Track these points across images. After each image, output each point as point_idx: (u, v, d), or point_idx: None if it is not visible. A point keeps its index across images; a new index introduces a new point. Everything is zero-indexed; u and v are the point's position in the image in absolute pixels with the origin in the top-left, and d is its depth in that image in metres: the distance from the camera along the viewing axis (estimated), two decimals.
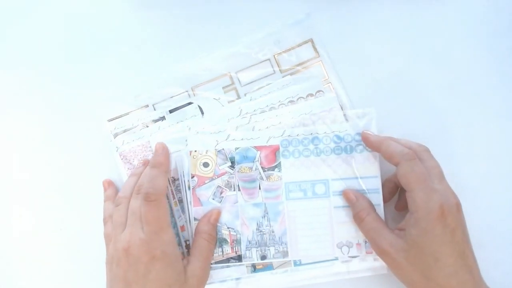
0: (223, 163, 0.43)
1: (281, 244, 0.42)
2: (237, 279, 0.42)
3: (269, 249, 0.42)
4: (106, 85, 0.46)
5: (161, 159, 0.41)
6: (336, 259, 0.42)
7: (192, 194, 0.42)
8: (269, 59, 0.45)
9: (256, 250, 0.42)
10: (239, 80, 0.45)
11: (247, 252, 0.41)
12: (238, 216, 0.42)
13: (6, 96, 0.47)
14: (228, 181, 0.42)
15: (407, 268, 0.36)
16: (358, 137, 0.42)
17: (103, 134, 0.45)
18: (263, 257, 0.41)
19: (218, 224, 0.42)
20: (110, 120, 0.45)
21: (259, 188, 0.42)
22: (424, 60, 0.46)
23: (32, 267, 0.44)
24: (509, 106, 0.45)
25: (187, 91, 0.45)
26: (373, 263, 0.42)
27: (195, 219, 0.41)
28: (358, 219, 0.40)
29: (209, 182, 0.42)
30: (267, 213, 0.42)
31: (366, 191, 0.41)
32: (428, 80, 0.45)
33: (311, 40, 0.45)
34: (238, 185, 0.42)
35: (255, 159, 0.43)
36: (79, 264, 0.44)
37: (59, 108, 0.46)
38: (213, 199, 0.42)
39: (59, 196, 0.45)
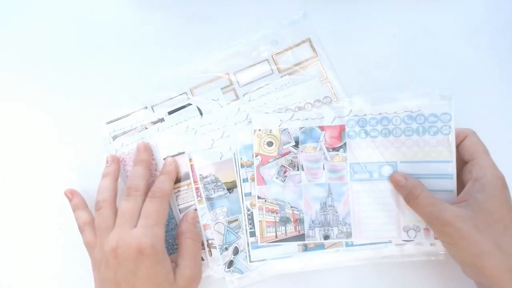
0: (287, 142, 0.42)
1: (344, 225, 0.42)
2: (289, 256, 0.42)
3: (332, 229, 0.42)
4: (105, 87, 0.45)
5: (143, 156, 0.42)
6: (390, 241, 0.41)
7: (256, 172, 0.42)
8: (267, 60, 0.44)
9: (319, 230, 0.42)
10: (237, 81, 0.44)
11: (310, 231, 0.42)
12: (302, 196, 0.42)
13: (3, 98, 0.47)
14: (291, 161, 0.42)
15: (475, 237, 0.34)
16: (432, 118, 0.39)
17: (102, 136, 0.44)
18: (326, 237, 0.42)
19: (282, 203, 0.42)
20: (108, 123, 0.44)
21: (323, 168, 0.42)
22: (423, 59, 0.44)
23: (32, 267, 0.44)
24: (509, 106, 0.44)
25: (185, 93, 0.44)
26: (429, 248, 0.41)
27: (259, 197, 0.42)
28: (411, 197, 0.38)
29: (272, 161, 0.42)
30: (331, 194, 0.42)
31: (437, 176, 0.39)
32: (427, 79, 0.44)
33: (309, 40, 0.44)
34: (301, 165, 0.42)
35: (319, 139, 0.42)
36: (79, 264, 0.43)
37: (58, 110, 0.46)
38: (276, 178, 0.42)
39: (58, 197, 0.44)
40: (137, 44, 0.46)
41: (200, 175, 0.43)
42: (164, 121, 0.44)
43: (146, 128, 0.44)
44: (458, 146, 0.39)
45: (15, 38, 0.47)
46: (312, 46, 0.44)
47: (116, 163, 0.43)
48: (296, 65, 0.44)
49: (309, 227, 0.42)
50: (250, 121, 0.43)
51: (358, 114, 0.41)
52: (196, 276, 0.39)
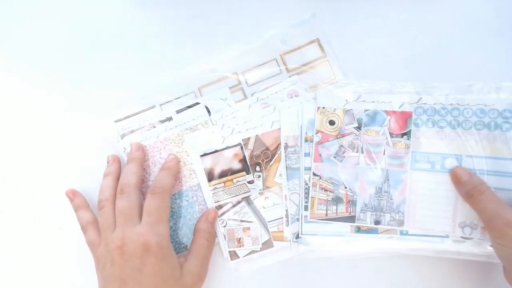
0: (350, 123, 0.42)
1: (397, 213, 0.41)
2: (341, 235, 0.42)
3: (384, 216, 0.41)
4: (113, 86, 0.45)
5: (135, 154, 0.42)
6: (447, 236, 0.40)
7: (314, 149, 0.42)
8: (275, 59, 0.44)
9: (371, 214, 0.41)
10: (245, 81, 0.44)
11: (361, 214, 0.42)
12: (358, 178, 0.42)
13: (12, 97, 0.46)
14: (352, 142, 0.42)
15: None
16: (506, 114, 0.38)
17: (110, 135, 0.44)
18: (377, 222, 0.41)
19: (336, 183, 0.42)
20: (117, 121, 0.44)
21: (383, 154, 0.41)
22: (429, 59, 0.43)
23: (32, 267, 0.44)
24: None
25: (194, 92, 0.44)
26: (487, 249, 0.39)
27: (314, 174, 0.42)
28: (476, 192, 0.37)
29: (333, 140, 0.42)
30: (388, 180, 0.41)
31: (505, 174, 0.38)
32: (432, 78, 0.42)
33: (318, 40, 0.44)
34: (362, 147, 0.42)
35: (383, 123, 0.41)
36: (79, 264, 0.44)
37: (66, 109, 0.46)
38: (334, 157, 0.42)
39: (58, 197, 0.44)
40: (146, 43, 0.46)
41: (286, 143, 0.43)
42: (172, 120, 0.44)
43: (154, 127, 0.44)
44: None
45: (18, 38, 0.47)
46: (320, 46, 0.44)
47: (117, 162, 0.43)
48: (304, 65, 0.44)
49: (361, 210, 0.42)
50: (271, 94, 0.43)
51: (428, 103, 0.40)
52: (203, 274, 0.40)
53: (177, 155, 0.43)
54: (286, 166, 0.43)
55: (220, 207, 0.43)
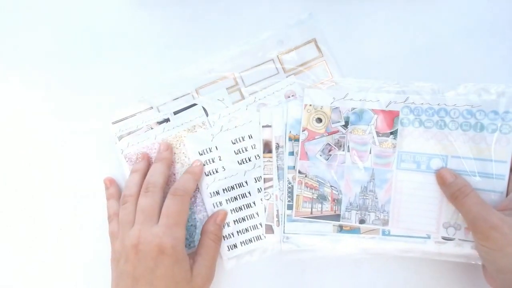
0: (337, 121, 0.42)
1: (382, 212, 0.41)
2: (323, 235, 0.42)
3: (369, 215, 0.41)
4: (110, 87, 0.45)
5: (164, 155, 0.42)
6: (429, 237, 0.40)
7: (301, 147, 0.42)
8: (272, 59, 0.44)
9: (356, 213, 0.41)
10: (243, 81, 0.44)
11: (346, 213, 0.41)
12: (343, 177, 0.41)
13: (11, 98, 0.46)
14: (338, 140, 0.42)
15: None
16: (492, 116, 0.38)
17: (107, 136, 0.44)
18: (362, 221, 0.41)
19: (322, 181, 0.42)
20: (114, 123, 0.44)
21: (370, 153, 0.41)
22: (428, 59, 0.43)
23: (32, 267, 0.44)
24: None
25: (191, 93, 0.44)
26: (469, 251, 0.40)
27: (300, 172, 0.42)
28: (461, 195, 0.37)
29: (319, 138, 0.42)
30: (374, 179, 0.41)
31: (489, 176, 0.38)
32: (431, 79, 0.42)
33: (314, 40, 0.44)
34: (348, 145, 0.41)
35: (370, 122, 0.41)
36: (79, 264, 0.44)
37: (63, 110, 0.46)
38: (320, 155, 0.42)
39: (61, 197, 0.45)
40: (143, 44, 0.46)
41: (277, 144, 0.43)
42: (169, 121, 0.44)
43: (151, 128, 0.44)
44: None
45: (17, 38, 0.47)
46: (317, 46, 0.44)
47: (146, 160, 0.43)
48: (301, 65, 0.44)
49: (346, 209, 0.41)
50: (269, 95, 0.43)
51: (416, 102, 0.40)
52: (211, 275, 0.40)
53: (201, 161, 0.43)
54: (277, 166, 0.42)
55: (268, 180, 0.43)
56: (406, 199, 0.40)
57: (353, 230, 0.41)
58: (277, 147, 0.43)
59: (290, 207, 0.42)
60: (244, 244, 0.43)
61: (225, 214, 0.43)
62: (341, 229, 0.41)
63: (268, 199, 0.43)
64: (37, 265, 0.44)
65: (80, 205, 0.45)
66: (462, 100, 0.39)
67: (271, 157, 0.43)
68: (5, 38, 0.47)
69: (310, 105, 0.42)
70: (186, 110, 0.44)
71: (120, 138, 0.44)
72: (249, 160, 0.43)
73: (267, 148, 0.43)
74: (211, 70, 0.44)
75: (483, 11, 0.44)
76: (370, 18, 0.45)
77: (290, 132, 0.42)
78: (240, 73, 0.44)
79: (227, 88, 0.44)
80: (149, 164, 0.43)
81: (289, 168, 0.42)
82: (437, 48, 0.44)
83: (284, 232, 0.42)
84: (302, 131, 0.42)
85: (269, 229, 0.43)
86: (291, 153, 0.42)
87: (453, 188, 0.38)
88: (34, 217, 0.45)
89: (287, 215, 0.42)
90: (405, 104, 0.40)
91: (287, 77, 0.44)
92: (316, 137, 0.42)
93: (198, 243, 0.41)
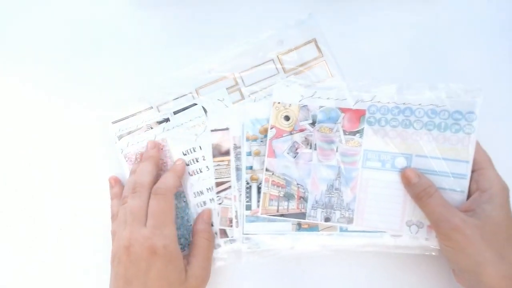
0: (305, 119, 0.41)
1: (347, 210, 0.41)
2: (281, 234, 0.42)
3: (335, 213, 0.41)
4: (110, 87, 0.45)
5: (151, 153, 0.42)
6: (385, 231, 0.41)
7: (268, 145, 0.42)
8: (272, 59, 0.44)
9: (321, 211, 0.41)
10: (243, 81, 0.43)
11: (312, 211, 0.42)
12: (310, 175, 0.41)
13: (11, 98, 0.46)
14: (306, 138, 0.42)
15: (481, 246, 0.35)
16: (456, 115, 0.38)
17: (107, 136, 0.44)
18: (327, 219, 0.41)
19: (289, 179, 0.42)
20: (114, 122, 0.44)
21: (336, 151, 0.41)
22: (428, 59, 0.44)
23: (32, 267, 0.44)
24: (509, 106, 0.43)
25: (191, 93, 0.44)
26: (423, 242, 0.40)
27: (267, 169, 0.42)
28: (425, 195, 0.38)
29: (287, 136, 0.42)
30: (340, 177, 0.41)
31: (451, 175, 0.39)
32: (431, 80, 0.41)
33: (315, 40, 0.44)
34: (315, 144, 0.41)
35: (337, 120, 0.41)
36: (79, 264, 0.44)
37: (64, 110, 0.46)
38: (288, 153, 0.42)
39: (61, 197, 0.45)
40: (143, 44, 0.46)
41: (234, 144, 0.42)
42: (169, 121, 0.44)
43: (151, 128, 0.44)
44: None
45: (17, 38, 0.47)
46: (317, 46, 0.44)
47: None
48: (301, 65, 0.43)
49: (312, 207, 0.42)
50: (269, 95, 0.42)
51: (382, 101, 0.40)
52: (206, 276, 0.40)
53: (183, 159, 0.43)
54: (235, 167, 0.42)
55: (220, 184, 0.43)
56: (371, 198, 0.41)
57: (312, 228, 0.42)
58: (235, 147, 0.42)
59: (248, 207, 0.42)
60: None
61: (210, 211, 0.42)
62: (300, 227, 0.42)
63: (220, 204, 0.43)
64: (37, 265, 0.44)
65: (80, 205, 0.45)
66: (427, 100, 0.39)
67: (221, 161, 0.43)
68: (5, 38, 0.47)
69: (279, 102, 0.42)
70: (186, 110, 0.44)
71: (120, 137, 0.44)
72: None
73: (217, 151, 0.43)
74: (211, 70, 0.44)
75: (483, 11, 0.45)
76: (371, 19, 0.45)
77: (248, 132, 0.42)
78: (240, 73, 0.44)
79: (227, 88, 0.44)
80: (157, 169, 0.42)
81: (246, 168, 0.42)
82: (437, 48, 0.44)
83: (243, 233, 0.42)
84: (270, 128, 0.42)
85: (223, 233, 0.42)
86: (249, 153, 0.42)
87: (417, 188, 0.38)
88: (34, 217, 0.45)
89: (246, 216, 0.42)
90: (371, 103, 0.40)
91: (287, 77, 0.43)
92: (283, 135, 0.42)
93: (191, 244, 0.41)
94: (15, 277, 0.44)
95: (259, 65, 0.44)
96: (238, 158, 0.42)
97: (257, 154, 0.42)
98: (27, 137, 0.46)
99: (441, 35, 0.44)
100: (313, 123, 0.41)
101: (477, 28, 0.44)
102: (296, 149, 0.42)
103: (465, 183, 0.38)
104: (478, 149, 0.38)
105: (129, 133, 0.44)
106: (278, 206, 0.42)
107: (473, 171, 0.38)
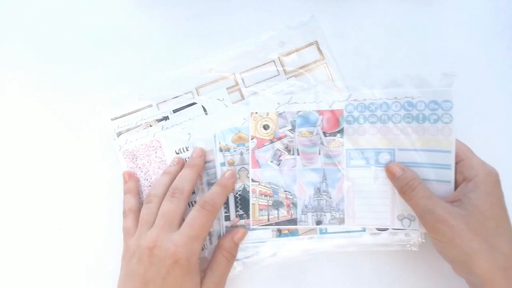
0: (284, 126, 0.42)
1: (337, 211, 0.41)
2: (263, 242, 0.42)
3: (325, 215, 0.41)
4: (110, 84, 0.45)
5: (196, 161, 0.41)
6: (364, 230, 0.41)
7: (251, 155, 0.42)
8: (273, 61, 0.44)
9: (312, 215, 0.42)
10: (243, 82, 0.43)
11: (303, 216, 0.42)
12: (296, 180, 0.42)
13: (10, 95, 0.46)
14: (287, 145, 0.42)
15: (467, 236, 0.34)
16: (432, 105, 0.38)
17: (106, 133, 0.44)
18: (319, 222, 0.42)
19: (275, 187, 0.42)
20: (113, 119, 0.44)
21: (319, 153, 0.41)
22: (430, 60, 0.44)
23: (32, 267, 0.44)
24: (509, 106, 0.44)
25: (191, 92, 0.44)
26: (403, 238, 0.40)
27: (253, 180, 0.42)
28: (408, 189, 0.38)
29: (268, 144, 0.42)
30: (326, 179, 0.41)
31: (436, 166, 0.38)
32: (433, 80, 0.41)
33: (316, 42, 0.44)
34: (297, 149, 0.41)
35: (316, 123, 0.41)
36: (78, 264, 0.44)
37: (63, 107, 0.46)
38: (271, 161, 0.42)
39: (60, 195, 0.45)
40: (144, 42, 0.46)
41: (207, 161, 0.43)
42: (168, 119, 0.44)
43: (150, 126, 0.44)
44: None
45: (18, 36, 0.47)
46: (319, 49, 0.43)
47: (181, 165, 0.42)
48: (302, 67, 0.43)
49: (302, 212, 0.42)
50: (246, 104, 0.42)
51: (358, 99, 0.40)
52: None
53: (235, 170, 0.42)
54: (205, 182, 0.42)
55: None
56: (359, 196, 0.41)
57: (292, 233, 0.42)
58: (205, 163, 0.42)
59: (227, 218, 0.42)
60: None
61: (245, 232, 0.41)
62: (280, 233, 0.42)
63: None
64: (37, 265, 0.44)
65: (81, 204, 0.45)
66: (402, 93, 0.39)
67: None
68: (4, 36, 0.47)
69: (256, 112, 0.42)
70: (185, 109, 0.44)
71: (119, 134, 0.44)
72: None
73: None
74: (212, 69, 0.44)
75: (481, 11, 0.45)
76: (372, 21, 0.45)
77: (220, 143, 0.42)
78: (240, 74, 0.44)
79: (227, 88, 0.44)
80: (181, 169, 0.42)
81: (253, 181, 0.42)
82: (438, 50, 0.44)
83: None
84: (251, 139, 0.42)
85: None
86: (223, 164, 0.42)
87: (401, 182, 0.38)
88: (34, 217, 0.45)
89: (225, 227, 0.42)
90: (348, 101, 0.40)
91: (287, 79, 0.43)
92: (265, 144, 0.42)
93: (211, 256, 0.40)
94: (15, 277, 0.44)
95: (260, 66, 0.44)
96: (207, 173, 0.42)
97: (231, 164, 0.42)
98: (26, 135, 0.46)
99: (443, 36, 0.45)
100: (292, 129, 0.41)
101: (477, 28, 0.44)
102: (280, 157, 0.42)
103: (451, 173, 0.38)
104: (458, 142, 0.38)
105: (128, 130, 0.44)
106: (268, 216, 0.42)
107: (456, 163, 0.38)
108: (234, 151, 0.42)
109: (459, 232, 0.34)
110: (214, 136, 0.42)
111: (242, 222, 0.42)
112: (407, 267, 0.42)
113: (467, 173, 0.36)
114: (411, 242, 0.40)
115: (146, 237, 0.37)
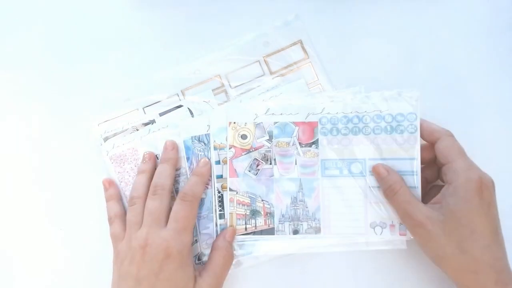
0: (261, 136, 0.43)
1: (314, 220, 0.42)
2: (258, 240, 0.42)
3: (302, 224, 0.42)
4: (96, 89, 0.45)
5: (170, 155, 0.42)
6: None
7: (229, 165, 0.42)
8: (258, 61, 0.45)
9: (289, 224, 0.42)
10: (229, 83, 0.45)
11: (280, 225, 0.42)
12: (273, 190, 0.42)
13: None
14: (265, 154, 0.43)
15: (442, 240, 0.35)
16: (399, 118, 0.42)
17: (93, 138, 0.44)
18: (295, 232, 0.42)
19: (253, 196, 0.42)
20: (100, 124, 0.45)
21: (295, 163, 0.43)
22: (418, 60, 0.45)
23: (32, 267, 0.44)
24: (509, 106, 0.45)
25: (177, 94, 0.45)
26: (392, 237, 0.42)
27: (230, 189, 0.42)
28: (390, 192, 0.39)
29: (246, 154, 0.43)
30: (302, 189, 0.42)
31: (403, 173, 0.41)
32: (421, 81, 0.45)
33: (300, 41, 0.45)
34: (274, 158, 0.43)
35: (293, 134, 0.43)
36: (79, 264, 0.44)
37: (49, 111, 0.46)
38: (249, 171, 0.42)
39: (58, 197, 0.45)
40: (129, 46, 0.46)
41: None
42: (155, 122, 0.44)
43: (137, 130, 0.44)
44: (434, 148, 0.39)
45: (7, 37, 0.47)
46: (303, 48, 0.45)
47: (153, 161, 0.42)
48: (287, 66, 0.45)
49: (279, 221, 0.42)
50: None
51: (331, 112, 0.43)
52: None
53: (208, 159, 0.42)
54: (175, 190, 0.43)
55: None
56: (334, 205, 0.42)
57: None
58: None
59: (222, 216, 0.42)
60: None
61: (234, 230, 0.42)
62: None
63: None
64: (37, 265, 0.44)
65: (72, 208, 0.44)
66: (371, 106, 0.42)
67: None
68: None
69: (234, 122, 0.43)
70: (171, 112, 0.44)
71: (106, 139, 0.44)
72: None
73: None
74: (197, 71, 0.44)
75: (480, 11, 0.45)
76: (357, 20, 0.45)
77: (215, 141, 0.43)
78: (226, 75, 0.44)
79: (213, 90, 0.44)
80: (155, 165, 0.42)
81: (217, 177, 0.42)
82: (425, 50, 0.45)
83: (237, 241, 0.42)
84: (229, 148, 0.43)
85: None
86: (217, 162, 0.42)
87: (385, 184, 0.40)
88: (34, 217, 0.44)
89: (220, 225, 0.41)
90: (322, 114, 0.43)
91: (273, 78, 0.44)
92: (243, 154, 0.43)
93: (208, 257, 0.40)
94: (15, 277, 0.44)
95: (245, 66, 0.44)
96: (177, 181, 0.43)
97: (226, 162, 0.42)
98: (17, 140, 0.45)
99: (435, 36, 0.45)
100: (270, 139, 0.43)
101: (477, 28, 0.45)
102: (257, 166, 0.43)
103: (417, 179, 0.41)
104: (446, 142, 0.38)
105: (115, 134, 0.44)
106: (246, 225, 0.42)
107: (442, 166, 0.38)
108: (229, 149, 0.43)
109: (434, 237, 0.36)
110: (210, 135, 0.43)
111: (222, 221, 0.41)
112: (395, 266, 0.43)
113: (449, 176, 0.37)
114: (400, 241, 0.41)
115: (137, 237, 0.37)
